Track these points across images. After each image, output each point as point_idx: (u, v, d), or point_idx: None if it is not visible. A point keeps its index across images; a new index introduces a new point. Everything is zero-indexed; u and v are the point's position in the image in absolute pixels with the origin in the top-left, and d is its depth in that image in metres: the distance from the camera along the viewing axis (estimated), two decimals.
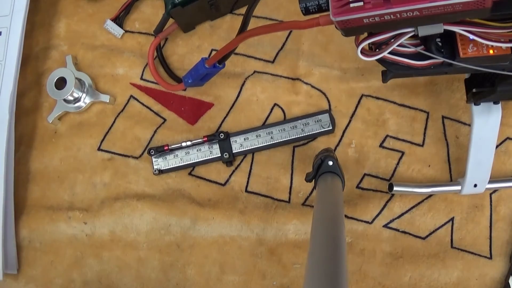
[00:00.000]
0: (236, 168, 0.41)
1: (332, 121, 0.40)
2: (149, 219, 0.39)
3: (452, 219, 0.38)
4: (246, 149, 0.40)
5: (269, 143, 0.40)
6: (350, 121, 0.41)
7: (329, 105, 0.41)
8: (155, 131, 0.42)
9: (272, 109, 0.41)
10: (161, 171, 0.41)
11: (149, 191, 0.40)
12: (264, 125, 0.41)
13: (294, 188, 0.40)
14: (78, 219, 0.40)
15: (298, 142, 0.41)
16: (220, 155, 0.40)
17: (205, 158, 0.40)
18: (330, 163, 0.31)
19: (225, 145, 0.40)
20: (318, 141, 0.41)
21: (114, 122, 0.42)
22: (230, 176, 0.41)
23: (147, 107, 0.42)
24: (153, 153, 0.40)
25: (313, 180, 0.32)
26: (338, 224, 0.23)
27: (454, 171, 0.39)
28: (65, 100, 0.41)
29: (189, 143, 0.40)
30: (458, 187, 0.36)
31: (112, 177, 0.41)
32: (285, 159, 0.41)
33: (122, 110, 0.43)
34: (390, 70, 0.26)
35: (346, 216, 0.38)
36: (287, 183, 0.40)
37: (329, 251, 0.21)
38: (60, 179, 0.42)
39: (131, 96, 0.43)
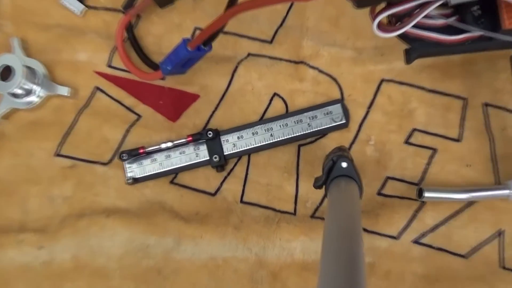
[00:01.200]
0: (228, 174, 0.41)
1: (346, 113, 0.40)
2: (122, 240, 0.39)
3: (501, 232, 0.38)
4: (241, 149, 0.40)
5: (269, 142, 0.40)
6: (367, 112, 0.41)
7: (342, 94, 0.41)
8: (127, 131, 0.42)
9: (271, 100, 0.41)
10: (136, 180, 0.40)
11: (122, 204, 0.40)
12: (262, 120, 0.40)
13: (300, 197, 0.40)
14: (31, 242, 0.39)
15: (304, 140, 0.40)
16: (208, 158, 0.40)
17: (190, 162, 0.40)
18: (344, 164, 0.31)
19: (214, 145, 0.40)
20: (329, 138, 0.41)
21: (76, 120, 0.42)
22: (221, 183, 0.41)
23: (117, 101, 0.42)
24: (125, 158, 0.40)
25: (324, 186, 0.32)
26: (355, 241, 0.23)
27: (502, 171, 0.38)
28: (12, 94, 0.41)
29: (170, 144, 0.39)
30: (507, 192, 0.36)
31: (75, 188, 0.40)
32: (289, 161, 0.40)
33: (85, 106, 0.42)
34: (415, 48, 0.26)
35: (365, 230, 0.38)
36: (292, 190, 0.40)
37: (344, 274, 0.20)
38: (8, 193, 0.41)
39: (97, 87, 0.42)
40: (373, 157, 0.40)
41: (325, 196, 0.34)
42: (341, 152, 0.33)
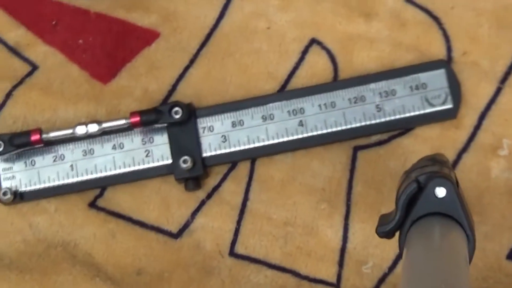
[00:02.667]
0: (209, 197, 0.38)
1: (454, 89, 0.37)
2: None
3: None
4: (237, 149, 0.38)
5: (295, 136, 0.37)
6: (499, 90, 0.38)
7: (448, 49, 0.39)
8: (8, 95, 0.40)
9: (305, 52, 0.39)
10: (20, 196, 0.38)
11: None
12: (284, 92, 0.39)
13: (351, 253, 0.37)
14: None
15: (366, 137, 0.38)
16: (170, 161, 0.37)
17: (132, 168, 0.38)
18: (441, 192, 0.28)
19: (184, 136, 0.38)
20: (416, 136, 0.38)
21: None
22: (193, 214, 0.38)
23: None
24: (0, 149, 0.37)
25: (397, 234, 0.29)
26: None
27: None
28: None
29: (95, 127, 0.37)
30: None
31: None
32: (333, 179, 0.38)
33: None
34: None
35: None
36: (335, 238, 0.38)
37: None
38: None
39: None
40: (506, 181, 0.38)
41: (400, 253, 0.29)
42: (436, 167, 0.30)
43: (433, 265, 0.25)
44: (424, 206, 0.28)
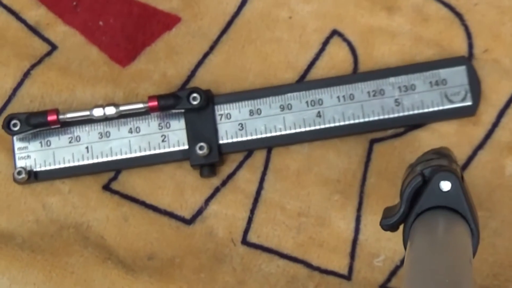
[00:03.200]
0: (223, 184, 0.39)
1: (474, 85, 0.37)
2: None
3: None
4: (254, 137, 0.38)
5: (313, 127, 0.38)
6: None
7: (470, 46, 0.39)
8: (26, 74, 0.39)
9: (325, 43, 0.40)
10: (34, 175, 0.38)
11: (4, 225, 0.38)
12: (304, 83, 0.39)
13: (363, 244, 0.37)
14: None
15: (383, 130, 0.38)
16: (187, 147, 0.37)
17: (148, 153, 0.38)
18: (446, 185, 0.28)
19: (201, 123, 0.38)
20: (433, 131, 0.38)
21: None
22: (206, 201, 0.38)
23: (13, 13, 0.40)
24: (17, 128, 0.37)
25: (401, 227, 0.30)
26: None
27: None
28: None
29: (111, 109, 0.37)
30: None
31: None
32: (348, 171, 0.38)
33: None
34: None
35: None
36: (348, 230, 0.38)
37: None
38: None
39: None
40: None
41: (404, 246, 0.30)
42: (441, 161, 0.30)
43: (437, 258, 0.25)
44: (428, 199, 0.28)
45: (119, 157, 0.38)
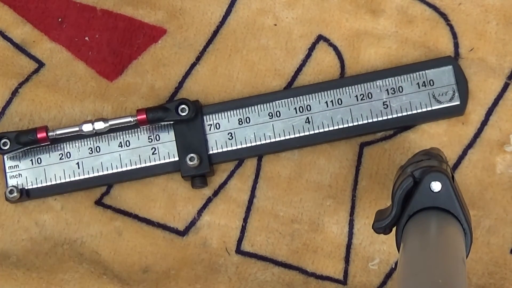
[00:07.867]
0: (215, 194, 0.39)
1: (461, 85, 0.38)
2: None
3: None
4: (243, 146, 0.38)
5: (302, 134, 0.38)
6: (506, 86, 0.38)
7: (456, 46, 0.39)
8: (14, 92, 0.40)
9: (312, 49, 0.40)
10: (27, 193, 0.38)
11: None
12: (291, 89, 0.39)
13: (357, 249, 0.38)
14: None
15: (372, 134, 0.39)
16: (177, 159, 0.38)
17: (138, 166, 0.38)
18: (437, 186, 0.28)
19: (190, 134, 0.38)
20: (422, 132, 0.38)
21: None
22: (199, 212, 0.38)
23: (3, 35, 0.40)
24: (7, 147, 0.37)
25: (394, 230, 0.30)
26: None
27: None
28: None
29: (101, 124, 0.37)
30: None
31: None
32: (339, 175, 0.39)
33: None
34: None
35: None
36: (341, 234, 0.38)
37: None
38: None
39: None
40: (511, 177, 0.38)
41: (397, 248, 0.31)
42: (431, 162, 0.31)
43: (430, 259, 0.25)
44: (420, 200, 0.28)
45: (110, 171, 0.38)
